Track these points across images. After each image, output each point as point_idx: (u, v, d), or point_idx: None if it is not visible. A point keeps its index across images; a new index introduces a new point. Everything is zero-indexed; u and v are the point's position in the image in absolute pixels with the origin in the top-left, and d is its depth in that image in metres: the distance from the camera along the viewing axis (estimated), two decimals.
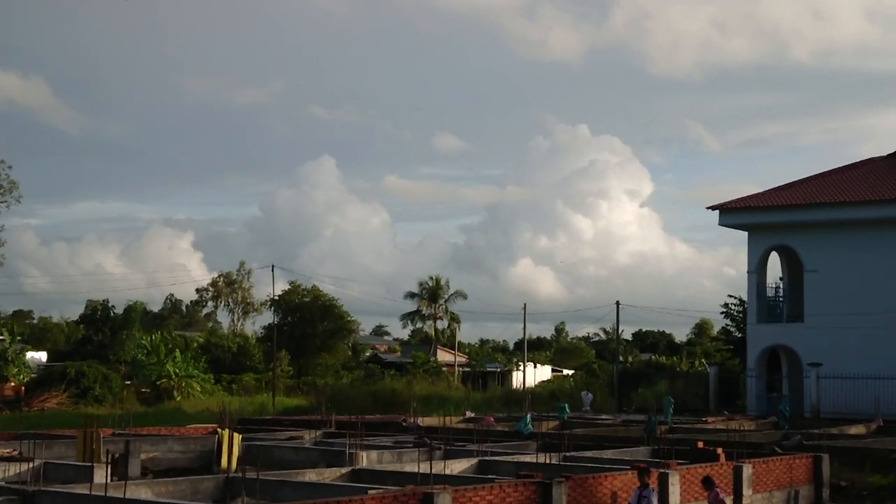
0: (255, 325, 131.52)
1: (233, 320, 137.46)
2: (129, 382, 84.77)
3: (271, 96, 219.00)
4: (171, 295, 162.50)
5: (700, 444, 34.30)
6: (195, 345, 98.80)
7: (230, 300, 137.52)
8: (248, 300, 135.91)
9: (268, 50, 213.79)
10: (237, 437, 31.95)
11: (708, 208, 62.13)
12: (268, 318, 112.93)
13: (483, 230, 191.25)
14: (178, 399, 79.06)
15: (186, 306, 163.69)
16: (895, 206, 57.54)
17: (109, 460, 25.41)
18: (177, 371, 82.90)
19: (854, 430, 46.74)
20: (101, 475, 24.94)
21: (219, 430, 33.64)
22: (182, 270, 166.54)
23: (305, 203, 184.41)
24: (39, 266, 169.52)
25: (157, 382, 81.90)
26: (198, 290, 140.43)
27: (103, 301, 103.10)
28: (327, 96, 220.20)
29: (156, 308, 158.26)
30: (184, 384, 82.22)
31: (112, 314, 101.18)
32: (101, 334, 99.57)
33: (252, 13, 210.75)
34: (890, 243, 57.27)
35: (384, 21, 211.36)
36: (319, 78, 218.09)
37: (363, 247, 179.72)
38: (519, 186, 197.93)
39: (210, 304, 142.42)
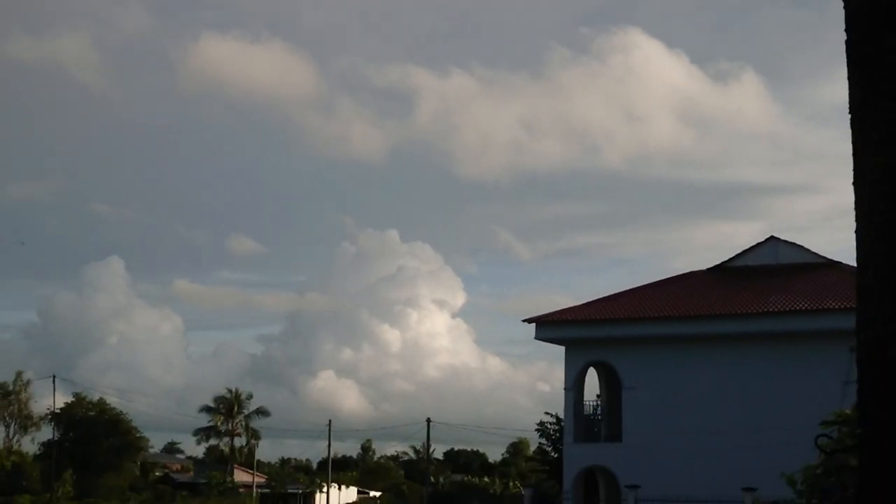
0: (33, 441, 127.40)
1: (8, 436, 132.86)
2: None
3: (48, 192, 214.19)
4: None
5: None
6: None
7: (6, 414, 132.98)
8: (26, 413, 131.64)
9: (42, 143, 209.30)
10: None
11: (524, 321, 62.68)
12: (47, 433, 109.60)
13: (282, 340, 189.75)
14: None
15: None
16: (718, 321, 59.01)
17: None
18: None
19: None
20: None
21: None
22: None
23: (88, 307, 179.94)
24: None
25: None
26: None
27: None
28: (111, 193, 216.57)
29: None
30: None
31: None
32: None
33: (23, 102, 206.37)
34: (712, 360, 58.57)
35: (168, 111, 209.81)
36: (102, 173, 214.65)
37: (151, 356, 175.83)
38: (321, 294, 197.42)
39: None
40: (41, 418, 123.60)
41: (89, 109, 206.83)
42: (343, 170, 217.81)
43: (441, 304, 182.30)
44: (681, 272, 66.64)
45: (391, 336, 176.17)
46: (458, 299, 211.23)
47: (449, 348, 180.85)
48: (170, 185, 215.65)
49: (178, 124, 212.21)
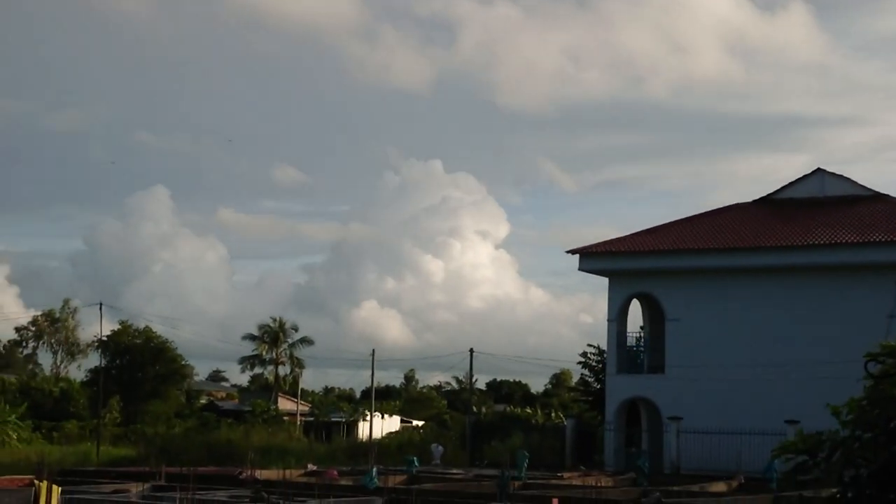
0: (80, 368, 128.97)
1: (55, 362, 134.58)
2: None
3: (93, 120, 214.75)
4: None
5: (555, 501, 34.53)
6: (12, 388, 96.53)
7: (53, 341, 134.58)
8: (73, 341, 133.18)
9: (87, 71, 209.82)
10: (56, 490, 31.17)
11: (567, 252, 62.84)
12: (94, 360, 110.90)
13: (326, 270, 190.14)
14: None
15: (4, 346, 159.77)
16: (761, 254, 59.03)
17: None
18: None
19: (715, 487, 47.49)
20: None
21: (36, 482, 32.79)
22: None
23: (133, 236, 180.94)
24: None
25: None
26: (17, 329, 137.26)
27: None
28: (156, 123, 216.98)
29: None
30: None
31: None
32: None
33: (66, 30, 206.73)
34: (756, 293, 58.62)
35: (213, 41, 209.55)
36: (147, 103, 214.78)
37: (196, 285, 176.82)
38: (365, 224, 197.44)
39: (30, 344, 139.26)
40: (88, 345, 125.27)
41: (134, 39, 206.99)
42: (386, 99, 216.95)
43: (484, 234, 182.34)
44: (725, 204, 66.53)
45: (434, 266, 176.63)
46: (502, 230, 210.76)
47: (492, 279, 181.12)
48: (214, 114, 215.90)
49: (222, 54, 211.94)
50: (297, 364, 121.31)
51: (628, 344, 63.20)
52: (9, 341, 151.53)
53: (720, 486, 47.99)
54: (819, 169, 63.59)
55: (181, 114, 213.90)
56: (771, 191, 64.48)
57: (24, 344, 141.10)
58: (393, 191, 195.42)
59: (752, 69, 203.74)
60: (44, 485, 30.66)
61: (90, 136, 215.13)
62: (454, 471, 56.38)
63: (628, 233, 64.69)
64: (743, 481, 49.41)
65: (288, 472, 45.30)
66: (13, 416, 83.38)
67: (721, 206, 66.45)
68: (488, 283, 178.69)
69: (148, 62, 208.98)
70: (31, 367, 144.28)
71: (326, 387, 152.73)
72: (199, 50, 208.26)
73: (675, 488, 43.86)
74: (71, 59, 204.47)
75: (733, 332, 58.43)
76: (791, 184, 63.91)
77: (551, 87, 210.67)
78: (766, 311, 58.15)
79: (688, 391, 57.92)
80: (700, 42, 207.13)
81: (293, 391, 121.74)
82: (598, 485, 42.92)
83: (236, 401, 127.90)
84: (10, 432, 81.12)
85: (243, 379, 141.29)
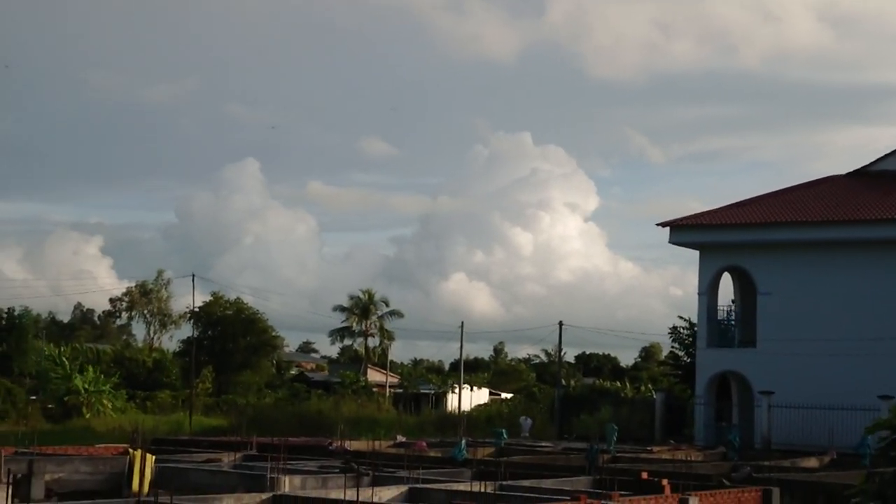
0: (171, 338, 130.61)
1: (149, 333, 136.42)
2: (34, 398, 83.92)
3: (184, 93, 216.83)
4: (80, 304, 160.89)
5: (644, 475, 34.45)
6: (107, 358, 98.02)
7: (146, 311, 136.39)
8: (166, 312, 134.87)
9: (178, 44, 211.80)
10: (150, 459, 31.72)
11: (658, 225, 62.56)
12: (186, 331, 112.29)
13: (415, 242, 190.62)
14: (88, 416, 78.39)
15: (99, 317, 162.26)
16: (856, 227, 58.26)
17: (11, 481, 25.13)
18: (86, 386, 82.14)
19: (806, 462, 47.15)
20: (1, 497, 24.64)
21: (130, 450, 33.41)
22: (89, 277, 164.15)
23: (224, 208, 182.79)
24: None
25: (65, 398, 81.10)
26: (111, 300, 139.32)
27: (7, 309, 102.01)
28: (246, 95, 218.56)
29: (65, 318, 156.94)
30: (94, 400, 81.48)
31: (18, 323, 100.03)
32: (5, 345, 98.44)
33: (158, 5, 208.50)
34: (849, 266, 57.90)
35: (302, 14, 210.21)
36: (236, 75, 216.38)
37: (286, 257, 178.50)
38: (454, 196, 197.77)
39: (124, 315, 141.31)
40: (180, 316, 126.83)
41: (224, 11, 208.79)
42: (475, 71, 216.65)
43: (573, 207, 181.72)
44: (819, 176, 65.72)
45: (523, 239, 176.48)
46: (591, 203, 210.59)
47: (581, 252, 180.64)
48: (303, 87, 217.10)
49: (311, 26, 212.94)
50: (387, 336, 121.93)
51: (719, 317, 62.77)
52: (103, 312, 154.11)
53: (812, 462, 47.62)
54: None
55: (271, 86, 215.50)
56: (866, 162, 63.61)
57: (117, 314, 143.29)
58: (482, 163, 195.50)
59: (845, 38, 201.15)
60: (138, 453, 31.21)
61: (181, 108, 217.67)
62: (542, 444, 56.45)
63: (718, 205, 64.23)
64: (835, 457, 48.96)
65: (377, 443, 45.67)
66: (108, 386, 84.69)
67: (815, 177, 65.71)
68: (577, 256, 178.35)
69: (238, 35, 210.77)
70: (125, 337, 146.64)
71: (415, 359, 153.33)
72: (288, 23, 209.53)
73: (766, 463, 43.60)
74: (163, 33, 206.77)
75: (826, 306, 57.78)
76: (886, 156, 62.96)
77: (641, 57, 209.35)
78: (859, 285, 57.41)
79: (779, 365, 57.39)
80: (793, 10, 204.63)
81: (382, 363, 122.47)
82: (688, 459, 42.75)
83: (325, 372, 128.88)
84: (105, 402, 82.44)
85: (333, 350, 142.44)
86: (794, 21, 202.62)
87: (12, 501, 24.14)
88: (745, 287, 62.60)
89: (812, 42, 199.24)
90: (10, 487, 24.91)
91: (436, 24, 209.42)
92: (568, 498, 26.41)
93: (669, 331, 75.08)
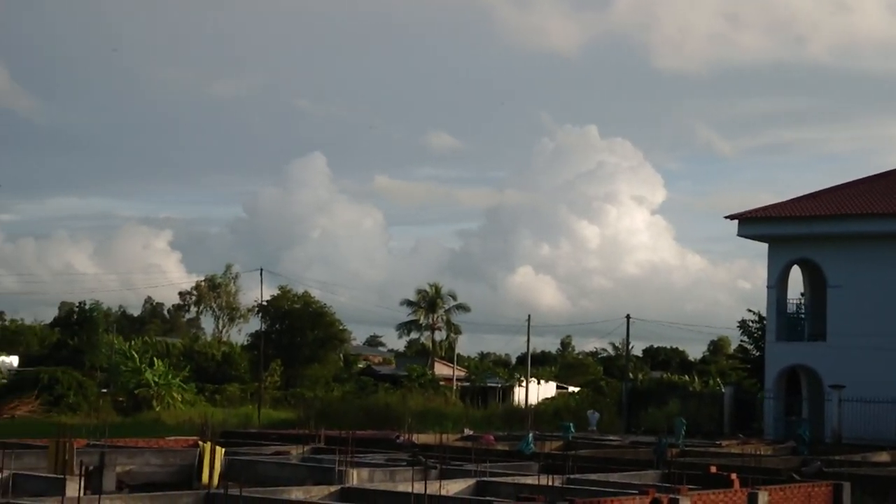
0: (240, 332, 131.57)
1: (217, 327, 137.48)
2: (105, 390, 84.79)
3: (252, 88, 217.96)
4: (150, 298, 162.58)
5: (713, 469, 34.28)
6: (177, 352, 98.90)
7: (214, 305, 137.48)
8: (234, 305, 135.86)
9: (245, 39, 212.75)
10: (220, 451, 31.96)
11: (726, 218, 62.24)
12: (254, 325, 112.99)
13: (481, 235, 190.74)
14: (158, 409, 79.06)
15: (168, 311, 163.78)
16: None
17: (83, 473, 25.41)
18: (156, 379, 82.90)
19: (878, 457, 46.70)
20: (73, 488, 24.92)
21: (200, 443, 33.68)
22: (158, 271, 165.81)
23: (292, 203, 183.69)
24: (4, 264, 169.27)
25: (136, 391, 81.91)
26: (181, 294, 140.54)
27: (79, 303, 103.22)
28: (313, 90, 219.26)
29: (135, 312, 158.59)
30: (164, 393, 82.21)
31: (88, 317, 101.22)
32: (77, 338, 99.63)
33: (225, 0, 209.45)
34: None
35: (368, 8, 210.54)
36: (303, 69, 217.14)
37: (353, 250, 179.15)
38: (520, 189, 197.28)
39: (193, 309, 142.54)
40: (248, 310, 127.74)
41: (291, 6, 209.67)
42: (540, 64, 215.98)
43: (640, 200, 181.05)
44: (888, 168, 65.01)
45: (590, 232, 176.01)
46: (658, 196, 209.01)
47: (648, 245, 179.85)
48: (370, 81, 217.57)
49: (376, 20, 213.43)
50: (454, 330, 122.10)
51: (789, 311, 62.36)
52: (173, 306, 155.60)
53: (883, 457, 47.14)
54: None
55: (337, 81, 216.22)
56: None
57: (187, 308, 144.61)
58: (548, 156, 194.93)
59: None
60: (208, 445, 31.47)
61: (249, 104, 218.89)
62: (610, 437, 56.33)
63: (787, 198, 63.79)
64: None
65: (445, 436, 45.68)
66: (178, 379, 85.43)
67: (886, 170, 65.00)
68: (644, 249, 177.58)
69: (304, 30, 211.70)
70: (194, 331, 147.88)
71: (482, 352, 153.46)
72: (354, 17, 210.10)
73: (837, 458, 43.21)
74: (231, 28, 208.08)
75: None
76: None
77: (708, 49, 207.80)
78: None
79: (850, 359, 56.89)
80: (863, 0, 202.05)
81: (449, 356, 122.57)
82: (757, 453, 42.47)
83: (393, 366, 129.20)
84: (175, 394, 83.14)
85: (400, 344, 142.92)
86: (863, 10, 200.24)
87: (84, 493, 24.42)
88: (814, 280, 62.12)
89: (882, 32, 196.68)
90: (82, 479, 25.19)
91: (500, 17, 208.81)
92: (636, 492, 26.34)
93: (738, 324, 74.68)
